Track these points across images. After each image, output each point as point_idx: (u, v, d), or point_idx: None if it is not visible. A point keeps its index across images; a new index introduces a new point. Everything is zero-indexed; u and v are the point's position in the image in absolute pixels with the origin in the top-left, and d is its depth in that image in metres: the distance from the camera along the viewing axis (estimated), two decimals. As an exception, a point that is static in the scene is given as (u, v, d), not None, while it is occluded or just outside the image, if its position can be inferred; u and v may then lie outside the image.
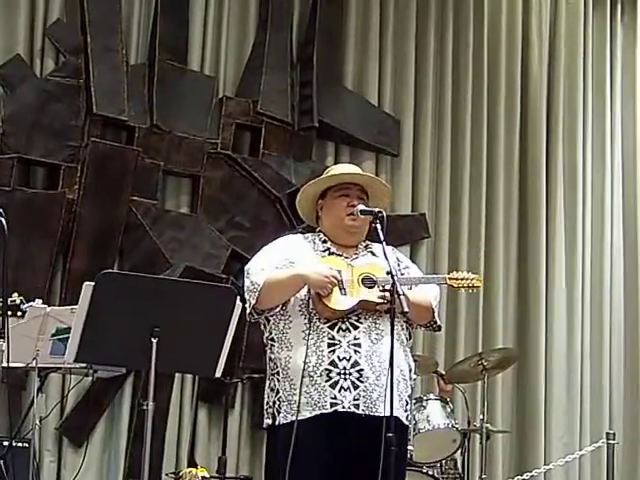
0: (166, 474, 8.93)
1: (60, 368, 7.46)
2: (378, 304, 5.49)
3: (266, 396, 5.71)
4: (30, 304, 6.12)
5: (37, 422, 7.68)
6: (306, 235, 5.86)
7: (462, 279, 6.15)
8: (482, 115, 10.95)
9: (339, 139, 10.24)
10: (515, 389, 10.67)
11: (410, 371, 5.69)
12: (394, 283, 5.38)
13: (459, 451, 8.48)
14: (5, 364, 5.56)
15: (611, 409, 11.03)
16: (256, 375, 8.25)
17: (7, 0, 9.20)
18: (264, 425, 5.74)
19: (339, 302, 5.49)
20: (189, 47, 9.84)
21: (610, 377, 11.10)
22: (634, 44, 11.74)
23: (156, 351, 5.38)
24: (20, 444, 7.69)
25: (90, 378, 8.44)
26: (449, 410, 8.41)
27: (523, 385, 10.72)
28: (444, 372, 9.02)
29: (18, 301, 5.94)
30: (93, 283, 5.42)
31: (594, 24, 11.62)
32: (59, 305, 8.12)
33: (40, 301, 6.22)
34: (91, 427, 9.09)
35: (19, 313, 5.98)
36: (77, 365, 6.67)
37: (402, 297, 5.34)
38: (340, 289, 5.51)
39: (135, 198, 9.35)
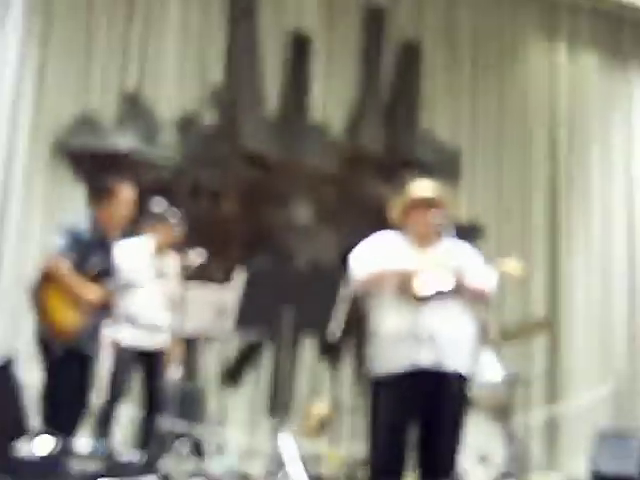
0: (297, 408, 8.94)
1: (220, 334, 7.51)
2: (449, 288, 5.45)
3: (368, 353, 5.68)
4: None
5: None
6: (396, 232, 5.80)
7: (510, 269, 6.13)
8: (522, 150, 10.86)
9: (417, 167, 10.11)
10: (548, 347, 10.49)
11: (473, 334, 5.61)
12: (459, 272, 5.39)
13: (507, 395, 8.33)
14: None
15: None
16: (361, 337, 8.24)
17: (182, 74, 9.28)
18: (367, 374, 5.70)
19: (421, 287, 5.45)
20: (309, 101, 9.86)
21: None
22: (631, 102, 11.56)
23: (288, 320, 5.40)
24: (192, 388, 7.72)
25: (242, 340, 8.49)
26: (499, 362, 8.28)
27: (553, 344, 10.54)
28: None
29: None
30: (244, 272, 5.44)
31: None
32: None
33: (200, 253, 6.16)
34: (243, 374, 9.16)
35: None
36: (233, 331, 6.69)
37: (466, 282, 5.39)
38: (421, 277, 5.48)
39: (273, 211, 9.38)
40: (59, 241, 5.79)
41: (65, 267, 5.71)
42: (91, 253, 5.85)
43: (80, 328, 5.68)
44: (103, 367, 7.15)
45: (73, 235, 5.82)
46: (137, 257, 6.51)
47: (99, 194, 6.03)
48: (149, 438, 6.83)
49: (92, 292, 5.75)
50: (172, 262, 5.98)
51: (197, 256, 5.87)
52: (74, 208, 8.37)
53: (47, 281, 5.68)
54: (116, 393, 7.02)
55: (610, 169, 11.23)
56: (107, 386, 7.10)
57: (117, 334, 6.85)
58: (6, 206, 8.40)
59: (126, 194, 6.01)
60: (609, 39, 11.50)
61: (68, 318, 5.66)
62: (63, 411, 5.57)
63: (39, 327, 5.65)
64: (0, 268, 8.30)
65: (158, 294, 6.52)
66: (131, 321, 6.65)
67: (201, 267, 7.80)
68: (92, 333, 5.80)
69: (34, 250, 8.08)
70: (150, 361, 6.93)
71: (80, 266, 5.78)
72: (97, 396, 6.69)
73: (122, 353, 7.00)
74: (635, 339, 10.60)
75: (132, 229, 8.16)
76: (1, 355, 4.64)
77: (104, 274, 5.88)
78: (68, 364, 5.61)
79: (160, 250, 7.01)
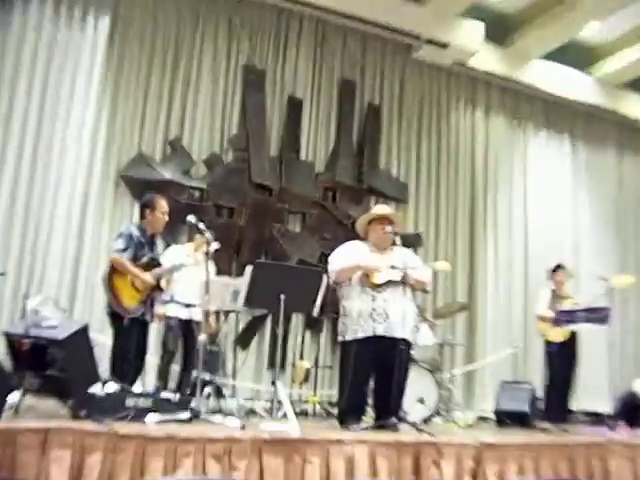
0: (288, 364, 8.93)
1: (234, 310, 7.50)
2: (397, 280, 5.48)
3: (339, 325, 5.71)
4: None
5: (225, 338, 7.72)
6: (362, 242, 5.83)
7: (441, 267, 6.14)
8: (451, 183, 10.86)
9: (377, 194, 10.16)
10: (467, 322, 10.54)
11: (414, 312, 5.65)
12: (405, 269, 5.43)
13: (439, 354, 8.35)
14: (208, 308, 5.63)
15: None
16: (335, 314, 8.23)
17: (210, 125, 9.28)
18: (339, 340, 5.72)
19: (377, 278, 5.49)
20: (300, 146, 9.82)
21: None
22: (526, 152, 11.64)
23: (283, 301, 5.40)
24: (215, 348, 7.71)
25: (251, 315, 8.47)
26: (433, 332, 8.30)
27: (470, 320, 10.59)
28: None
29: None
30: (252, 267, 5.45)
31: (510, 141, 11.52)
32: (234, 278, 8.14)
33: (216, 244, 6.09)
34: (251, 340, 9.12)
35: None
36: (244, 309, 6.67)
37: (408, 276, 5.44)
38: (377, 272, 5.50)
39: (273, 224, 9.37)
40: (119, 242, 5.82)
41: (125, 261, 5.74)
42: (142, 249, 5.88)
43: (139, 303, 5.71)
44: (157, 333, 7.18)
45: (128, 237, 5.85)
46: (179, 257, 6.53)
47: (144, 206, 6.07)
48: (184, 384, 6.85)
49: (146, 277, 5.78)
50: (203, 259, 5.99)
51: (215, 245, 5.87)
52: (132, 220, 8.40)
53: (114, 271, 5.70)
54: (169, 353, 7.05)
55: (512, 198, 11.28)
56: (162, 347, 7.12)
57: (165, 309, 6.88)
58: (85, 218, 8.41)
59: (162, 205, 6.05)
60: (512, 107, 11.55)
61: (130, 296, 5.68)
62: (127, 364, 5.58)
63: (110, 304, 5.67)
64: (79, 264, 8.31)
65: (193, 282, 6.52)
66: (175, 300, 6.67)
67: (221, 262, 7.82)
68: (148, 307, 5.83)
69: (104, 250, 8.09)
70: (187, 329, 6.95)
71: (135, 258, 5.81)
72: (151, 354, 6.69)
73: (170, 323, 7.02)
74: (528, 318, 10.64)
75: (173, 237, 8.26)
76: (80, 321, 4.66)
77: (152, 263, 5.91)
78: (131, 330, 5.62)
79: (195, 251, 7.06)
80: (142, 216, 6.06)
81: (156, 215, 6.01)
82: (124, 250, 5.77)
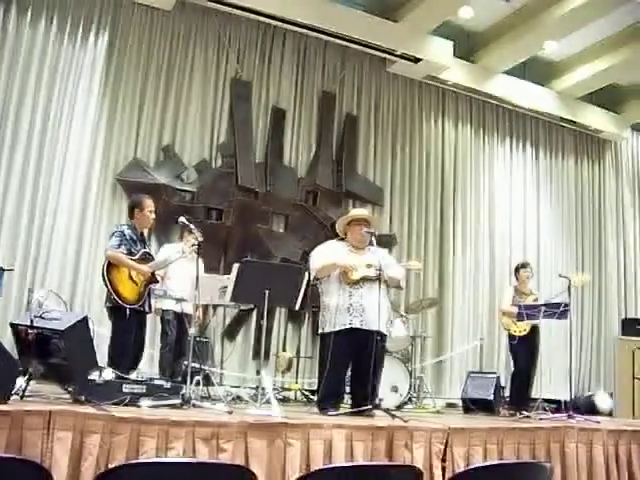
0: (272, 354, 8.95)
1: (222, 305, 7.51)
2: (373, 277, 5.51)
3: (319, 319, 5.75)
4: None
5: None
6: (341, 242, 5.86)
7: (413, 266, 6.17)
8: (423, 187, 10.88)
9: (354, 198, 10.19)
10: (437, 316, 10.59)
11: (388, 307, 5.69)
12: (380, 267, 5.44)
13: (410, 345, 8.40)
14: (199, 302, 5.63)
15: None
16: (315, 308, 8.25)
17: (201, 133, 9.28)
18: (318, 332, 5.75)
19: (354, 275, 5.51)
20: (284, 153, 9.83)
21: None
22: (492, 159, 11.70)
23: (267, 296, 5.42)
24: (204, 339, 7.72)
25: (237, 309, 8.47)
26: (405, 325, 8.36)
27: (440, 314, 10.64)
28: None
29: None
30: (239, 264, 5.47)
31: (476, 148, 11.58)
32: (222, 274, 8.14)
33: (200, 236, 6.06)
34: (238, 332, 9.13)
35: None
36: (231, 303, 6.68)
37: (383, 273, 5.46)
38: (354, 270, 5.52)
39: (259, 225, 9.37)
40: (113, 240, 5.84)
41: (121, 255, 5.75)
42: (134, 245, 5.90)
43: (138, 296, 5.72)
44: (153, 325, 7.16)
45: (121, 235, 5.87)
46: (172, 255, 6.53)
47: (133, 206, 6.11)
48: (176, 372, 6.86)
49: (142, 267, 5.80)
50: (193, 255, 6.00)
51: (199, 236, 5.88)
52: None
53: (112, 266, 5.70)
54: (168, 344, 7.03)
55: (479, 201, 11.34)
56: (162, 340, 7.11)
57: (161, 303, 6.87)
58: (84, 219, 8.42)
59: (149, 204, 6.08)
60: (478, 117, 11.61)
61: (129, 290, 5.69)
62: (125, 353, 5.58)
63: (110, 297, 5.67)
64: (79, 261, 8.31)
65: (185, 277, 6.53)
66: (168, 294, 6.66)
67: (210, 260, 7.79)
68: (146, 299, 5.85)
69: (102, 248, 8.06)
70: (180, 321, 6.95)
71: (129, 254, 5.82)
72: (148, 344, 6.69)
73: (167, 317, 7.01)
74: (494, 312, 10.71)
75: (165, 236, 8.26)
76: (80, 313, 4.66)
77: (146, 257, 5.93)
78: (131, 322, 5.63)
79: (186, 249, 7.05)
80: (132, 215, 6.09)
81: (144, 214, 6.05)
82: (119, 247, 5.79)
